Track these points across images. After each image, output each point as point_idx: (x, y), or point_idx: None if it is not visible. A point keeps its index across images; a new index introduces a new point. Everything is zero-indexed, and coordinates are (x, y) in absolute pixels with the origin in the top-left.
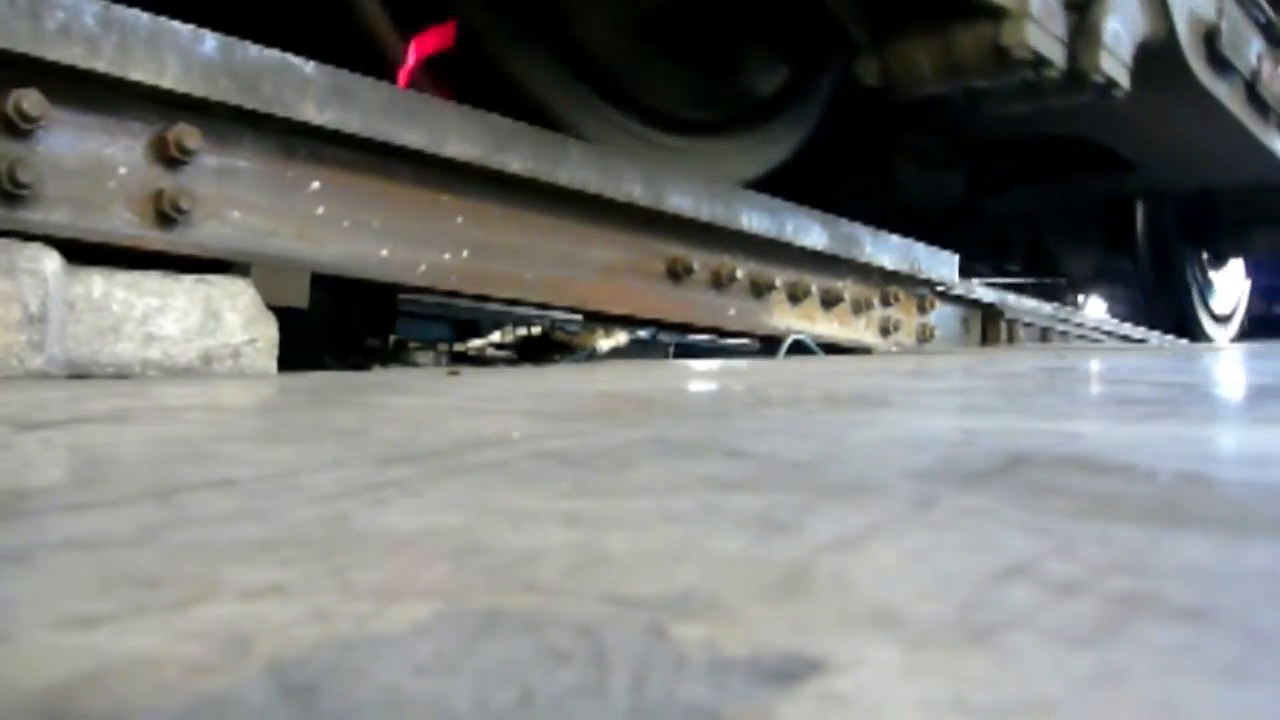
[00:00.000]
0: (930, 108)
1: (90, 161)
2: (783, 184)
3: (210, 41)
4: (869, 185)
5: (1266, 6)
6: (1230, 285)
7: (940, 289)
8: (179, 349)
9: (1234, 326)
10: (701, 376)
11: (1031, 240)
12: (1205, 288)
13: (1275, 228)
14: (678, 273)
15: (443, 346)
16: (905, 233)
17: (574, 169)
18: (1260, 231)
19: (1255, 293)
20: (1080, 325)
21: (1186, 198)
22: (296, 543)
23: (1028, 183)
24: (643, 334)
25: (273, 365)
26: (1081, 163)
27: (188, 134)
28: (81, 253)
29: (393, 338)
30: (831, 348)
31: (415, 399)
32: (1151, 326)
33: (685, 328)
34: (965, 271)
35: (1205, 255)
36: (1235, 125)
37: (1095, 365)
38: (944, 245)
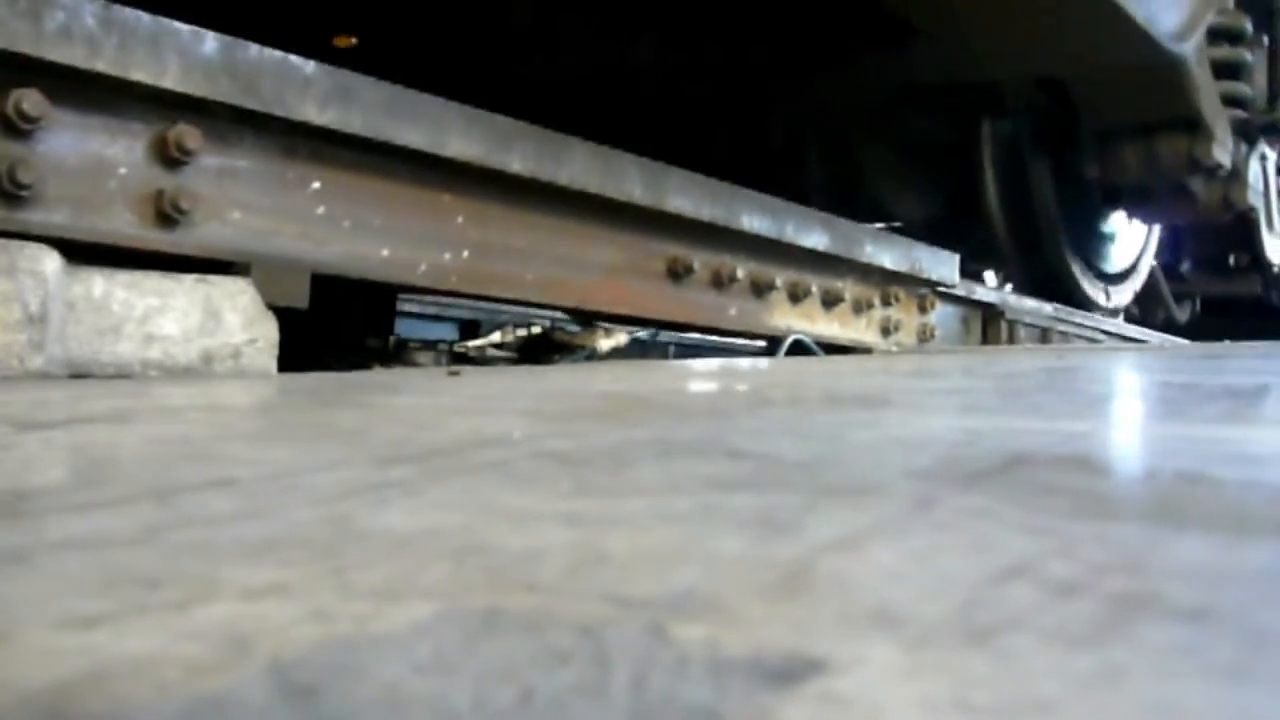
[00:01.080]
0: None
1: (91, 162)
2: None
3: (211, 42)
4: (465, 55)
5: None
6: (1124, 235)
7: (941, 289)
8: (179, 349)
9: (1130, 288)
10: (701, 376)
11: (840, 168)
12: (1086, 236)
13: (1146, 140)
14: (678, 273)
15: (443, 346)
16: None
17: (575, 169)
18: (1129, 147)
19: (1161, 248)
20: (1080, 325)
21: (1034, 104)
22: (296, 543)
23: (796, 70)
24: (643, 334)
25: (273, 365)
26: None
27: (188, 134)
28: (81, 252)
29: (393, 338)
30: (832, 348)
31: (415, 399)
32: (1014, 284)
33: (685, 328)
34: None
35: (1083, 197)
36: None
37: (1095, 365)
38: (709, 169)
